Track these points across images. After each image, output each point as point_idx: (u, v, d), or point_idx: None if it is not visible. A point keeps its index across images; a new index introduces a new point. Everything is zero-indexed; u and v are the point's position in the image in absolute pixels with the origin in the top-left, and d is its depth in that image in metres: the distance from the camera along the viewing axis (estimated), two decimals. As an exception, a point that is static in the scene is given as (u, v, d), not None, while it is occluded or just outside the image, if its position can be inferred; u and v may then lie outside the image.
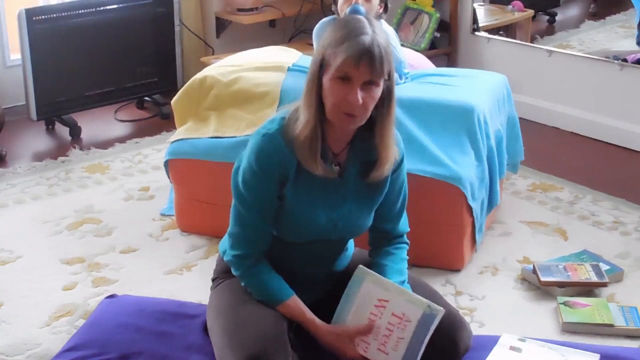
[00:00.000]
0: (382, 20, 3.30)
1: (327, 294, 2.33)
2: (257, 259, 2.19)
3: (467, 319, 2.61)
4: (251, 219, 2.16)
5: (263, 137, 2.11)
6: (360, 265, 2.20)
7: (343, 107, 2.03)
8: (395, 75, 3.21)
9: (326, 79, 2.05)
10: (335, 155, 2.17)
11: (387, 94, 2.10)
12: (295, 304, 2.16)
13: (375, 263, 2.29)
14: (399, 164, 2.25)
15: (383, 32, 2.07)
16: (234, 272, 2.21)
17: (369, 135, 2.15)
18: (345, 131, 2.14)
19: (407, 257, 2.33)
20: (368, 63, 2.00)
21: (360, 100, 2.02)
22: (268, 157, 2.10)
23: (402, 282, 2.25)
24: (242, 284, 2.20)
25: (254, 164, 2.11)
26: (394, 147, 2.17)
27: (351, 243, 2.41)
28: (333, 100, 2.04)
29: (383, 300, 2.12)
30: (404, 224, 2.35)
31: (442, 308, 2.08)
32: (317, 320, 2.15)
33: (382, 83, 2.06)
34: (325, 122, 2.10)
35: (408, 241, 2.36)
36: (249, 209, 2.15)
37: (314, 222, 2.16)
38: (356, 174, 2.19)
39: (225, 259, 2.25)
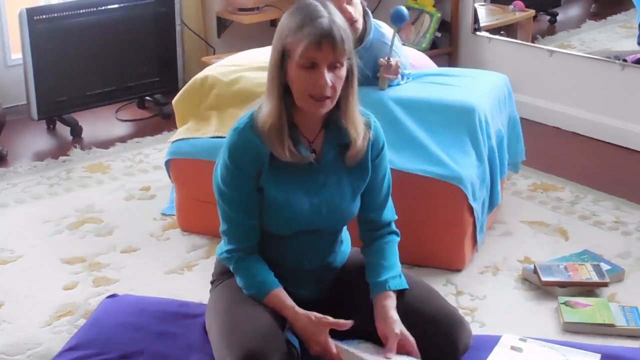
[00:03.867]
0: (381, 23, 3.28)
1: (327, 292, 2.34)
2: (247, 253, 2.20)
3: (467, 318, 2.61)
4: (235, 215, 2.18)
5: (234, 131, 2.16)
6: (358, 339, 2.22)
7: (313, 92, 2.06)
8: (398, 77, 3.24)
9: (291, 68, 2.07)
10: (310, 142, 2.19)
11: (350, 72, 2.13)
12: (278, 295, 2.17)
13: (368, 263, 2.30)
14: (381, 150, 2.27)
15: (338, 13, 2.11)
16: (230, 268, 2.23)
17: (338, 116, 2.17)
18: (316, 117, 2.16)
19: (397, 251, 2.33)
20: (330, 45, 2.04)
21: (330, 82, 2.05)
22: (240, 150, 2.14)
23: (396, 277, 2.25)
24: (237, 281, 2.21)
25: (227, 159, 2.15)
26: (361, 125, 2.19)
27: (346, 238, 2.41)
28: (302, 87, 2.07)
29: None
30: (390, 212, 2.36)
31: None
32: (297, 308, 2.15)
33: (345, 62, 2.09)
34: (293, 109, 2.13)
35: (397, 230, 2.37)
36: (231, 205, 2.18)
37: (297, 209, 2.17)
38: (334, 159, 2.21)
39: (220, 257, 2.26)
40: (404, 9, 3.10)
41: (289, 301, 2.16)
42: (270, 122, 2.10)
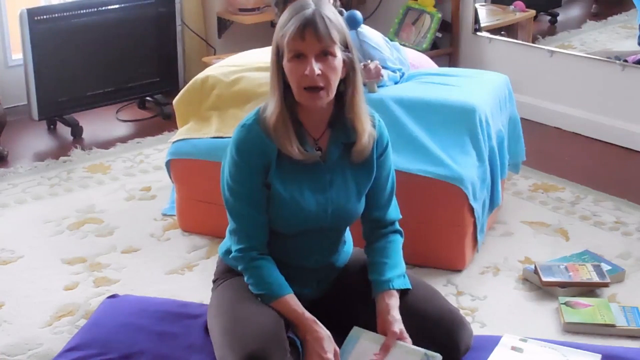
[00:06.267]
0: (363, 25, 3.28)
1: (328, 292, 2.34)
2: (260, 253, 2.20)
3: (468, 319, 2.61)
4: (244, 211, 2.18)
5: (241, 128, 2.17)
6: (355, 327, 2.21)
7: (304, 83, 2.07)
8: (389, 72, 3.24)
9: (285, 64, 2.09)
10: (316, 140, 2.20)
11: (350, 65, 2.14)
12: (294, 301, 2.17)
13: (372, 262, 2.30)
14: (385, 148, 2.28)
15: (330, 6, 2.12)
16: (239, 267, 2.22)
17: (343, 114, 2.18)
18: (319, 113, 2.17)
19: (401, 251, 2.33)
20: (313, 32, 2.05)
21: (317, 71, 2.06)
22: (247, 146, 2.15)
23: (401, 276, 2.25)
24: (245, 278, 2.21)
25: (235, 155, 2.16)
26: (368, 121, 2.20)
27: (349, 238, 2.41)
28: (294, 80, 2.09)
29: (379, 354, 2.12)
30: (394, 211, 2.36)
31: (439, 355, 2.10)
32: (317, 321, 2.15)
33: (338, 52, 2.09)
34: (297, 107, 2.14)
35: (401, 229, 2.37)
36: (240, 201, 2.18)
37: (304, 207, 2.18)
38: (340, 158, 2.22)
39: (230, 256, 2.25)
40: (357, 13, 3.11)
41: (307, 313, 2.15)
42: (275, 119, 2.11)
